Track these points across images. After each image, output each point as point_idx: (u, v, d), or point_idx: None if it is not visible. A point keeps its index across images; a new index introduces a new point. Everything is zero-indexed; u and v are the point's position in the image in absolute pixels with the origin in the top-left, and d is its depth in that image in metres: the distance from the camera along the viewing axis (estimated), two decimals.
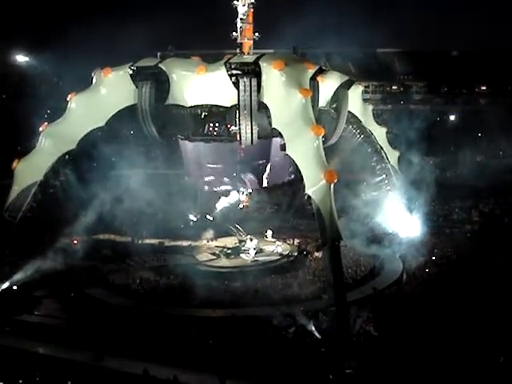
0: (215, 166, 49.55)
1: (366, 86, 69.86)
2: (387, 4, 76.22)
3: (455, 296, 36.28)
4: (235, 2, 44.57)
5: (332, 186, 33.83)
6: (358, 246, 47.23)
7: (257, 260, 46.63)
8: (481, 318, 31.91)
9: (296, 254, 48.60)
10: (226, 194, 53.53)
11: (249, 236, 49.88)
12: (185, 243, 51.33)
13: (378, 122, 50.50)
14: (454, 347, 29.00)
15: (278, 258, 47.30)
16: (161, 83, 40.73)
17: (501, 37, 78.00)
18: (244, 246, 48.50)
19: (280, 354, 29.48)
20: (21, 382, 27.25)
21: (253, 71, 38.83)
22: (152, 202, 58.17)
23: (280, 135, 37.66)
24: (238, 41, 45.13)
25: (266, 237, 52.30)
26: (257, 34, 45.17)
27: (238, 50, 45.20)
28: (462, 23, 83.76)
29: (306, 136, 35.72)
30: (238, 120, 40.31)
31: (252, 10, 44.78)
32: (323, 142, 36.41)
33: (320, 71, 41.56)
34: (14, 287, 39.58)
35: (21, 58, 72.44)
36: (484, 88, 79.72)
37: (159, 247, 50.43)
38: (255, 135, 39.71)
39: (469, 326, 31.09)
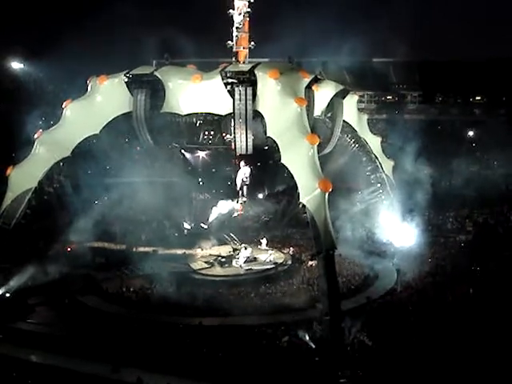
0: None
1: (361, 96, 69.82)
2: (382, 14, 76.34)
3: (449, 305, 36.31)
4: (231, 11, 44.59)
5: (327, 194, 33.88)
6: (352, 255, 47.30)
7: (251, 268, 46.55)
8: (475, 328, 31.95)
9: (290, 262, 48.56)
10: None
11: (243, 245, 49.85)
12: (179, 251, 51.22)
13: (372, 132, 50.66)
14: (449, 356, 29.03)
15: (272, 266, 47.23)
16: (156, 91, 40.72)
17: (496, 47, 78.21)
18: (238, 254, 48.41)
19: (274, 364, 29.43)
20: None
21: (248, 80, 38.90)
22: (146, 210, 58.21)
23: (275, 144, 37.71)
24: (234, 50, 45.14)
25: (261, 245, 52.28)
26: (252, 43, 45.21)
27: (233, 59, 45.24)
28: (457, 33, 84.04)
29: (301, 145, 35.73)
30: (233, 128, 40.37)
31: (248, 19, 44.80)
32: (318, 151, 36.44)
33: (315, 80, 41.68)
34: (8, 294, 39.48)
35: (16, 65, 72.37)
36: (479, 98, 79.95)
37: (153, 255, 50.27)
38: (250, 144, 39.74)
39: (463, 336, 31.12)
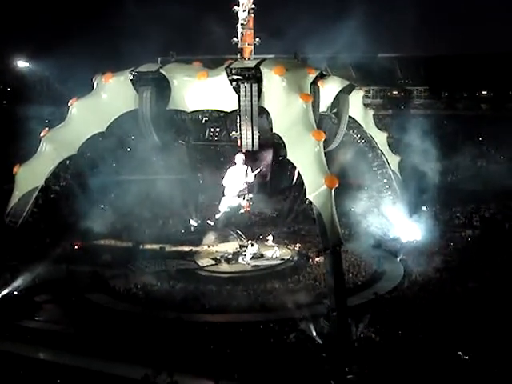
0: None
1: (366, 91, 69.89)
2: (388, 9, 76.13)
3: (456, 301, 36.24)
4: (236, 8, 44.50)
5: (333, 191, 33.84)
6: (359, 251, 47.26)
7: (257, 265, 46.59)
8: (483, 324, 31.88)
9: (297, 258, 48.55)
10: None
11: (250, 241, 49.87)
12: (186, 248, 51.27)
13: (378, 127, 50.59)
14: (456, 352, 28.97)
15: (279, 262, 47.24)
16: (162, 88, 40.71)
17: (502, 41, 77.88)
18: (245, 251, 48.43)
19: (281, 360, 29.43)
20: None
21: (254, 76, 38.74)
22: (153, 207, 58.25)
23: (281, 140, 37.66)
24: (239, 46, 45.04)
25: (267, 241, 52.26)
26: (257, 40, 45.11)
27: (238, 56, 45.15)
28: (463, 27, 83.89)
29: (307, 141, 35.68)
30: (238, 125, 40.35)
31: (252, 15, 44.71)
32: (324, 147, 36.39)
33: (321, 76, 41.55)
34: (15, 292, 39.59)
35: (21, 64, 72.61)
36: (485, 92, 79.75)
37: (160, 252, 50.33)
38: (256, 140, 39.70)
39: (471, 332, 31.05)
